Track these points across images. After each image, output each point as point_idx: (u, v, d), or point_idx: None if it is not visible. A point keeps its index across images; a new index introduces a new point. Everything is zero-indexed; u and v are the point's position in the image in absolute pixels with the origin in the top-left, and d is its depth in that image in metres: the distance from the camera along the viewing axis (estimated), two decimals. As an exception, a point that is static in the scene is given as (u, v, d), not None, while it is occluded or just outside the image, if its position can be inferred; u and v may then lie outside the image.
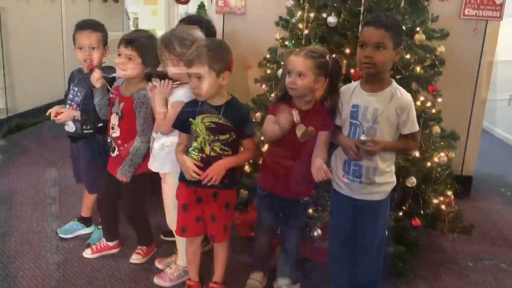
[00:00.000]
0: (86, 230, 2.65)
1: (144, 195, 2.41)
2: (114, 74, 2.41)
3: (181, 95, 2.03)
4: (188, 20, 2.80)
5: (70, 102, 2.43)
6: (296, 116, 1.86)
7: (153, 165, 2.17)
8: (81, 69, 2.45)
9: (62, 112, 2.38)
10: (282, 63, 2.45)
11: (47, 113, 2.40)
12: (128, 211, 2.36)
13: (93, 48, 2.36)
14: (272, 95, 2.08)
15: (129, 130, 2.22)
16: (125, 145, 2.23)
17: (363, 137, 1.83)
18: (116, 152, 2.27)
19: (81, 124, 2.41)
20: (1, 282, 2.18)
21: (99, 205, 2.42)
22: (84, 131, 2.42)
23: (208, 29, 2.81)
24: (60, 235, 2.59)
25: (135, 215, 2.38)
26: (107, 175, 2.35)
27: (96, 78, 2.23)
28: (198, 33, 2.11)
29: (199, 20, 2.81)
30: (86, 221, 2.66)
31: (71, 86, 2.45)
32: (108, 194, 2.38)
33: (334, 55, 2.04)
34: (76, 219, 2.67)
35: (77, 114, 2.38)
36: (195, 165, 1.92)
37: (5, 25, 4.25)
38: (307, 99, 1.96)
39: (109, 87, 2.32)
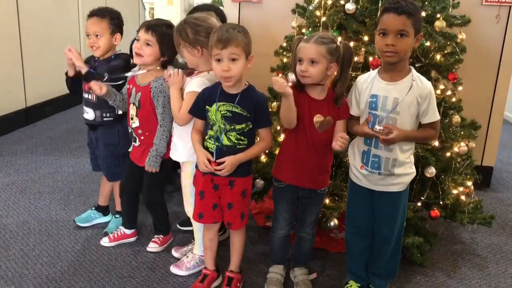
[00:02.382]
0: (103, 219, 2.67)
1: (164, 182, 2.42)
2: (129, 74, 2.33)
3: (196, 84, 2.01)
4: (198, 10, 2.78)
5: (88, 90, 2.42)
6: (291, 77, 1.85)
7: (173, 154, 2.18)
8: (94, 57, 2.45)
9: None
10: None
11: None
12: (149, 198, 2.37)
13: (97, 36, 2.36)
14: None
15: (147, 119, 2.22)
16: (146, 133, 2.24)
17: (377, 127, 1.80)
18: (138, 142, 2.28)
19: (101, 112, 2.42)
20: (21, 269, 2.22)
21: (121, 191, 2.43)
22: (104, 119, 2.43)
23: (220, 17, 2.79)
24: (78, 223, 2.62)
25: (155, 202, 2.39)
26: (130, 163, 2.36)
27: (97, 91, 2.19)
28: (213, 20, 2.08)
29: (208, 9, 2.80)
30: (104, 210, 2.69)
31: None
32: (131, 182, 2.39)
33: (344, 41, 1.99)
34: (93, 208, 2.70)
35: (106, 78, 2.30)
36: (208, 159, 1.90)
37: (22, 16, 4.29)
38: (320, 88, 1.93)
39: (110, 90, 2.28)
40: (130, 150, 2.37)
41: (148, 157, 2.22)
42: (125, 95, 2.32)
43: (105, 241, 2.46)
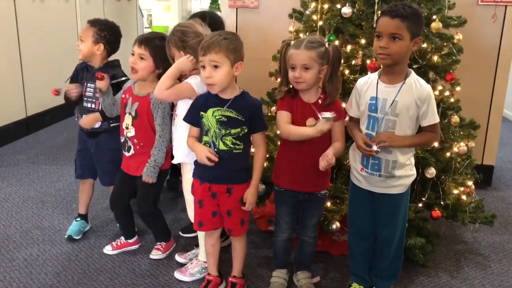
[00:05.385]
0: (89, 226, 2.69)
1: (158, 193, 2.43)
2: (124, 78, 2.42)
3: (191, 79, 2.02)
4: (196, 16, 2.79)
5: (90, 100, 2.44)
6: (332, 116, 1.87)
7: (175, 157, 2.17)
8: (86, 65, 2.47)
9: (74, 90, 2.44)
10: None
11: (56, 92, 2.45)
12: (141, 209, 2.36)
13: (81, 40, 2.42)
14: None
15: (144, 129, 2.22)
16: (141, 143, 2.24)
17: (375, 147, 1.83)
18: (131, 152, 2.28)
19: (108, 119, 2.42)
20: (26, 279, 2.23)
21: (112, 205, 2.44)
22: (111, 125, 2.44)
23: (216, 23, 2.80)
24: (74, 237, 2.57)
25: (148, 213, 2.38)
26: (121, 174, 2.36)
27: (103, 84, 2.21)
28: (198, 26, 2.10)
29: (204, 15, 2.81)
30: (86, 218, 2.68)
31: (86, 84, 2.45)
32: (122, 193, 2.39)
33: (331, 43, 2.01)
34: (79, 219, 2.66)
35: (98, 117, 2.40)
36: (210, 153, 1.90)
37: (20, 26, 4.31)
38: (313, 91, 1.95)
39: (110, 89, 2.30)
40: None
41: (146, 167, 2.22)
42: (119, 102, 2.32)
43: (108, 249, 2.47)
